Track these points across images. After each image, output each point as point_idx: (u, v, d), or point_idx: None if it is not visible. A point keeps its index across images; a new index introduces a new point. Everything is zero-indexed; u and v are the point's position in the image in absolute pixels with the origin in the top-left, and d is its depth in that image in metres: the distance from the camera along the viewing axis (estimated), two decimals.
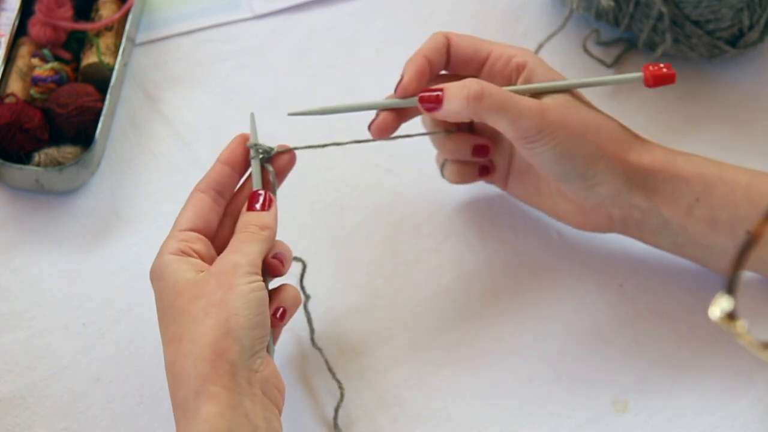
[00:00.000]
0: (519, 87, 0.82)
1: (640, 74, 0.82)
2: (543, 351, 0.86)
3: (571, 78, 0.84)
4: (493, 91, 0.80)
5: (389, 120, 0.83)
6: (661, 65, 0.82)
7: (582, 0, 0.97)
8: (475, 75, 0.83)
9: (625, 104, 0.97)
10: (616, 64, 0.98)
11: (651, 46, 0.97)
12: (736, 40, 0.95)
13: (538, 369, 0.86)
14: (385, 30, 1.00)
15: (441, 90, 0.80)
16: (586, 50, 0.98)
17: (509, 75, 0.83)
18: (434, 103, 0.80)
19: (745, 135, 0.96)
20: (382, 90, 0.96)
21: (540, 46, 0.96)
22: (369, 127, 0.83)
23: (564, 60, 0.98)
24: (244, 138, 0.82)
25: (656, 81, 0.82)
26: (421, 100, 0.81)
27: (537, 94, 0.82)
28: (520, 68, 0.82)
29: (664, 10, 0.93)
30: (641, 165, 0.82)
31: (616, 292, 0.88)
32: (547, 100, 0.81)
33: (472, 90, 0.79)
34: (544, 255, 0.89)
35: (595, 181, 0.82)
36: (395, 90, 0.83)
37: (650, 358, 0.86)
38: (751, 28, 0.94)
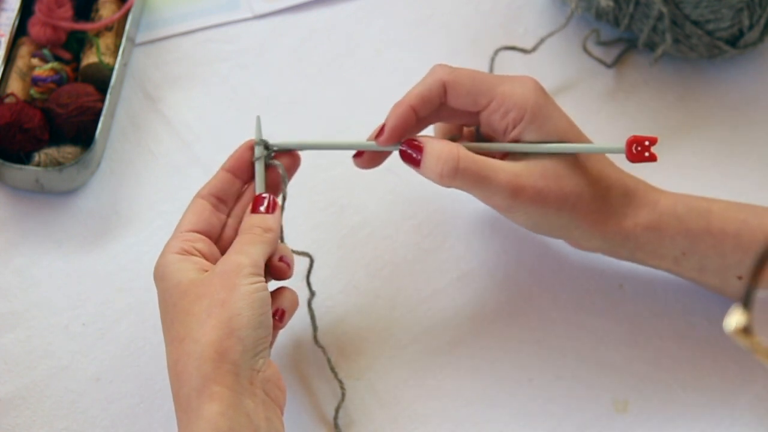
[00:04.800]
0: (501, 146, 0.81)
1: (621, 146, 0.79)
2: (543, 351, 0.86)
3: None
4: (468, 166, 0.78)
5: (373, 159, 0.83)
6: (647, 142, 0.78)
7: (582, 0, 0.97)
8: (474, 117, 0.83)
9: (624, 104, 0.97)
10: (616, 64, 0.98)
11: (651, 46, 0.97)
12: (736, 40, 0.95)
13: (538, 369, 0.86)
14: (385, 30, 1.00)
15: (421, 151, 0.79)
16: (586, 50, 0.98)
17: (504, 128, 0.81)
18: (413, 165, 0.80)
19: (744, 135, 0.96)
20: (382, 90, 0.96)
21: (541, 41, 0.96)
22: (353, 159, 0.83)
23: (564, 60, 0.98)
24: (250, 146, 0.82)
25: (636, 159, 0.78)
26: (402, 156, 0.81)
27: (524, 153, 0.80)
28: (515, 123, 0.80)
29: (664, 10, 0.93)
30: (621, 230, 0.81)
31: (616, 292, 0.88)
32: (527, 169, 0.79)
33: (446, 169, 0.78)
34: (544, 255, 0.89)
35: (572, 240, 0.84)
36: (375, 137, 0.81)
37: (650, 358, 0.86)
38: (751, 28, 0.94)
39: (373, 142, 0.81)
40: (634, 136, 0.78)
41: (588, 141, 0.83)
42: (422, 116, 0.81)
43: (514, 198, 0.79)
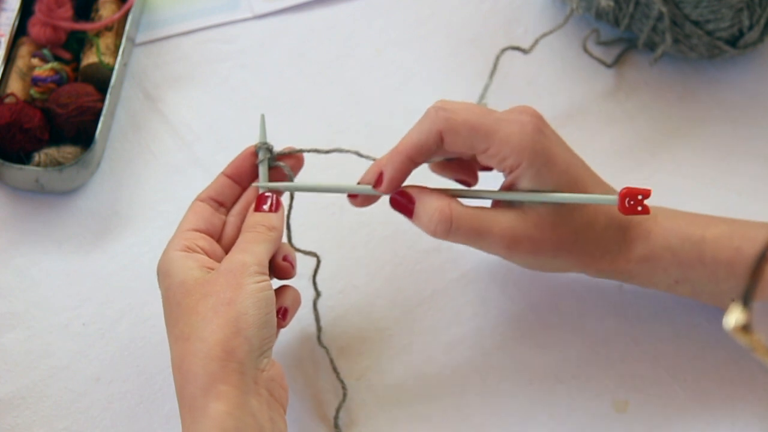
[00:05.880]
0: (495, 195, 0.80)
1: (614, 198, 0.77)
2: (543, 351, 0.86)
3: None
4: (461, 224, 0.78)
5: (368, 199, 0.82)
6: (640, 196, 0.76)
7: (582, 0, 0.97)
8: (470, 161, 0.83)
9: (624, 104, 0.97)
10: (616, 64, 0.98)
11: (651, 46, 0.97)
12: (736, 40, 0.95)
13: (538, 369, 0.86)
14: (385, 30, 1.00)
15: (413, 204, 0.79)
16: (586, 50, 0.98)
17: (501, 171, 0.80)
18: (405, 215, 0.80)
19: (744, 135, 0.96)
20: (382, 90, 0.97)
21: (536, 42, 0.96)
22: (348, 199, 0.82)
23: (564, 60, 0.98)
24: (251, 153, 0.82)
25: (629, 212, 0.76)
26: (393, 204, 0.80)
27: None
28: (512, 169, 0.79)
29: (664, 10, 0.93)
30: (614, 267, 0.81)
31: (615, 292, 0.88)
32: (522, 220, 0.79)
33: (439, 229, 0.78)
34: None
35: (567, 272, 0.84)
36: (374, 185, 0.80)
37: (650, 358, 0.86)
38: (751, 28, 0.94)
39: (367, 187, 0.80)
40: (628, 189, 0.76)
41: (591, 174, 0.81)
42: (419, 162, 0.80)
43: (509, 250, 0.79)
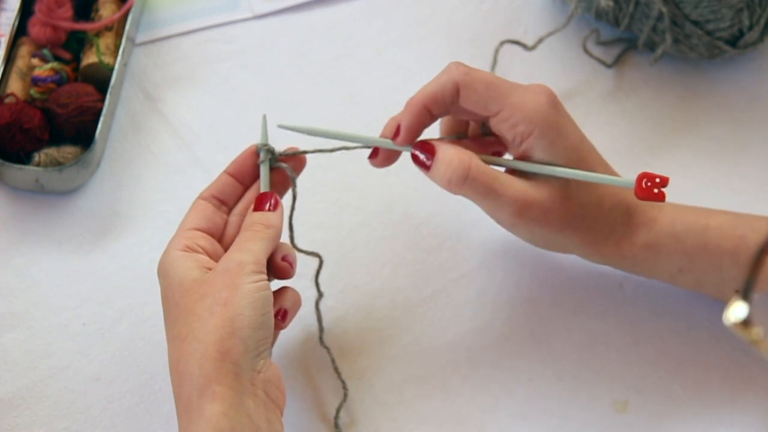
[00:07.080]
0: (511, 164, 0.81)
1: (632, 180, 0.78)
2: (543, 351, 0.86)
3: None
4: (478, 176, 0.78)
5: (388, 158, 0.82)
6: (658, 180, 0.77)
7: (582, 0, 0.97)
8: (486, 141, 0.83)
9: (624, 104, 0.97)
10: (616, 64, 0.98)
11: (651, 46, 0.97)
12: (736, 40, 0.95)
13: (538, 369, 0.86)
14: (385, 30, 1.00)
15: (432, 155, 0.80)
16: (586, 50, 0.98)
17: (512, 138, 0.80)
18: (423, 168, 0.81)
19: (744, 135, 0.96)
20: (382, 90, 0.97)
21: (540, 40, 0.96)
22: (369, 159, 0.83)
23: (564, 60, 0.98)
24: (253, 152, 0.82)
25: (645, 195, 0.78)
26: (413, 158, 0.81)
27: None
28: (523, 137, 0.79)
29: (664, 10, 0.93)
30: (619, 251, 0.82)
31: (615, 292, 0.88)
32: (535, 187, 0.79)
33: (455, 176, 0.78)
34: (544, 255, 0.89)
35: (571, 253, 0.84)
36: (393, 137, 0.81)
37: (650, 358, 0.86)
38: (751, 28, 0.94)
39: (386, 140, 0.81)
40: (646, 173, 0.77)
41: (598, 155, 0.82)
42: (435, 114, 0.81)
43: (519, 215, 0.79)
